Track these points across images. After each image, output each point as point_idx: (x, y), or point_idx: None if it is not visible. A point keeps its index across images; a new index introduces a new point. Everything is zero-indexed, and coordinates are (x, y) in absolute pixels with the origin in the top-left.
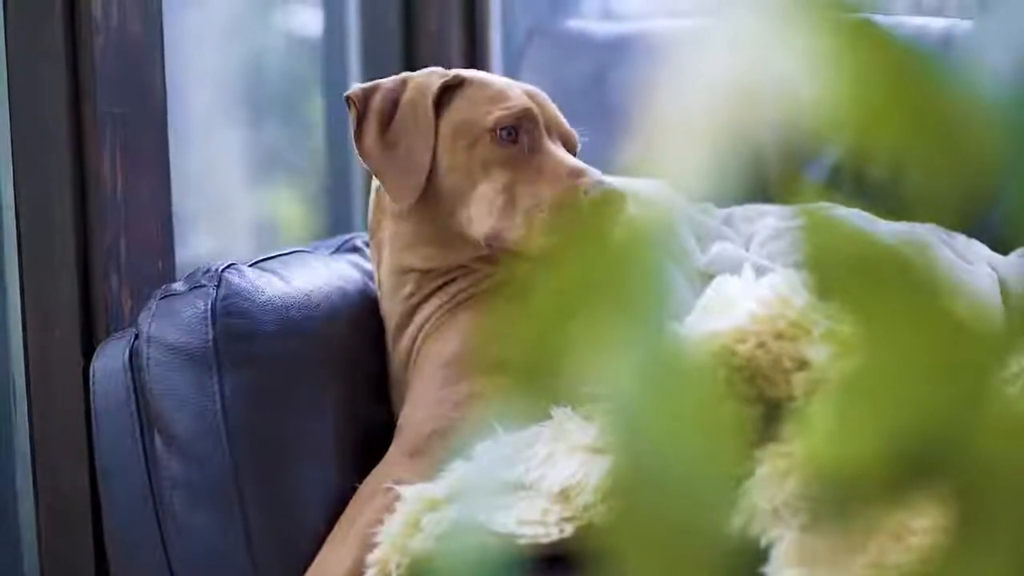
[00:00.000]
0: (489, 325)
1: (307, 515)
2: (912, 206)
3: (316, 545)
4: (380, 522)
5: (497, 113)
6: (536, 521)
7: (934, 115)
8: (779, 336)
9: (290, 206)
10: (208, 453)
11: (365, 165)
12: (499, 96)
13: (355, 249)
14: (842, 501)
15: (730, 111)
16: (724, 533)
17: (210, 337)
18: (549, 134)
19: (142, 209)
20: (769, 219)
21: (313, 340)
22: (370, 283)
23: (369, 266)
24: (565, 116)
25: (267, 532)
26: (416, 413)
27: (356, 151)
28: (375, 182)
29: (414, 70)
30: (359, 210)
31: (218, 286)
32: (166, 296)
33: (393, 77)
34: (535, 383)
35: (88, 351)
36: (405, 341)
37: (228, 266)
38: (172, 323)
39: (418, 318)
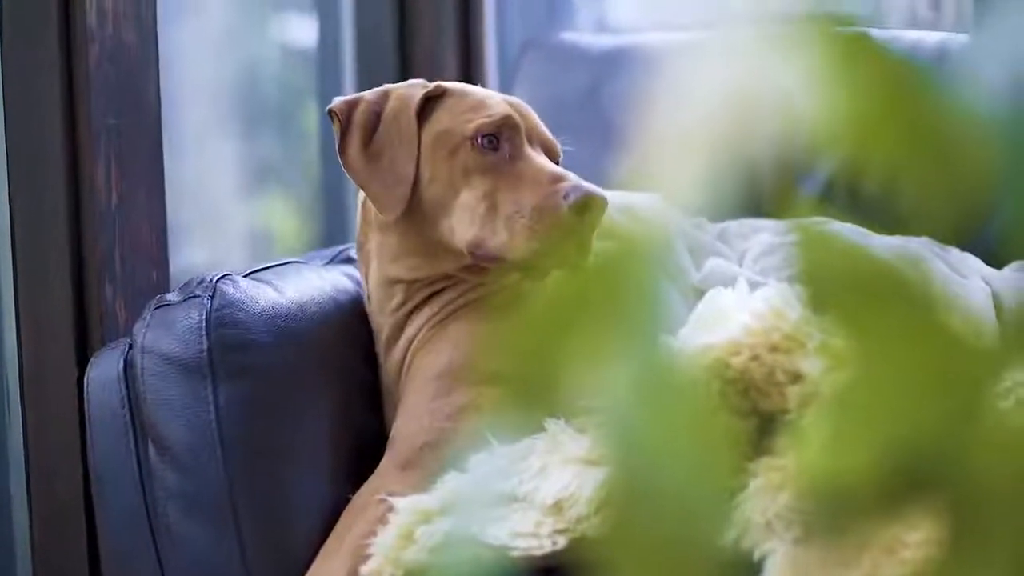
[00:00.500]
0: (483, 337)
1: (301, 526)
2: (907, 220)
3: (310, 556)
4: (373, 534)
5: (478, 121)
6: (529, 533)
7: (930, 130)
8: (773, 349)
9: (284, 217)
10: (202, 463)
11: (350, 178)
12: (480, 105)
13: (349, 260)
14: (836, 514)
15: (726, 125)
16: (718, 546)
17: (204, 347)
18: (531, 143)
19: (137, 219)
20: (763, 235)
21: (307, 351)
22: (363, 294)
23: None
24: (559, 129)
25: (261, 543)
26: (408, 425)
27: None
28: (361, 194)
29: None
30: (353, 221)
31: (212, 296)
32: (161, 306)
33: (375, 89)
34: (531, 396)
35: (82, 361)
36: (396, 353)
37: (222, 276)
38: (166, 333)
39: (408, 330)
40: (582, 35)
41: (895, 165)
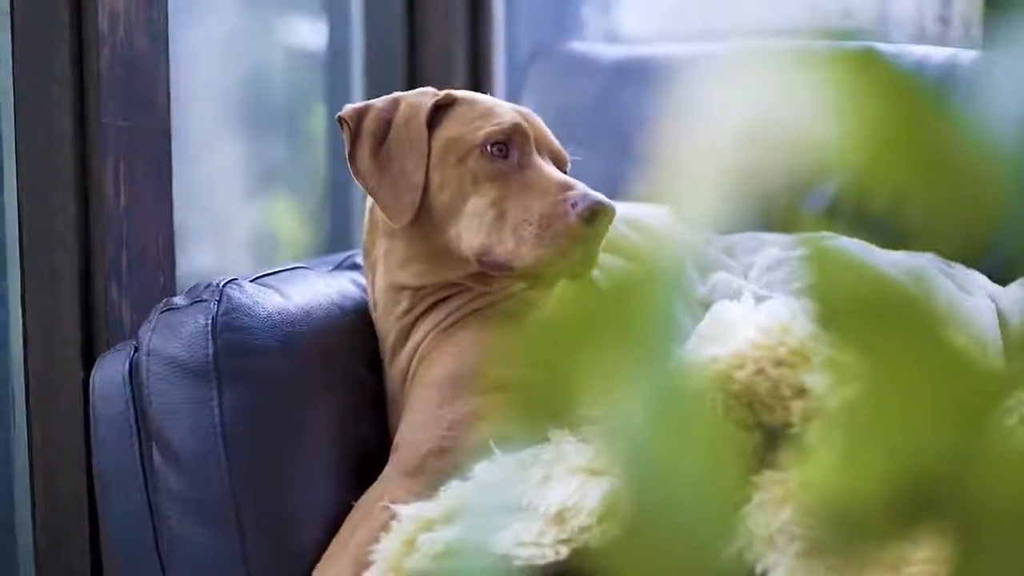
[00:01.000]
0: (492, 346)
1: (303, 531)
2: (912, 237)
3: (312, 561)
4: (375, 541)
5: (487, 129)
6: (532, 543)
7: (940, 152)
8: (778, 363)
9: (289, 220)
10: (206, 467)
11: (360, 185)
12: (489, 113)
13: (355, 266)
14: (844, 533)
15: (741, 144)
16: (724, 559)
17: (210, 352)
18: (539, 151)
19: (144, 222)
20: (769, 249)
21: (312, 356)
22: (369, 300)
23: None
24: (567, 138)
25: (263, 547)
26: (412, 432)
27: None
28: (369, 201)
29: (417, 88)
30: (358, 225)
31: (219, 301)
32: (167, 310)
33: (385, 97)
34: (543, 409)
35: (88, 363)
36: (401, 360)
37: (229, 281)
38: (173, 337)
39: (414, 337)
40: (591, 45)
41: (905, 186)
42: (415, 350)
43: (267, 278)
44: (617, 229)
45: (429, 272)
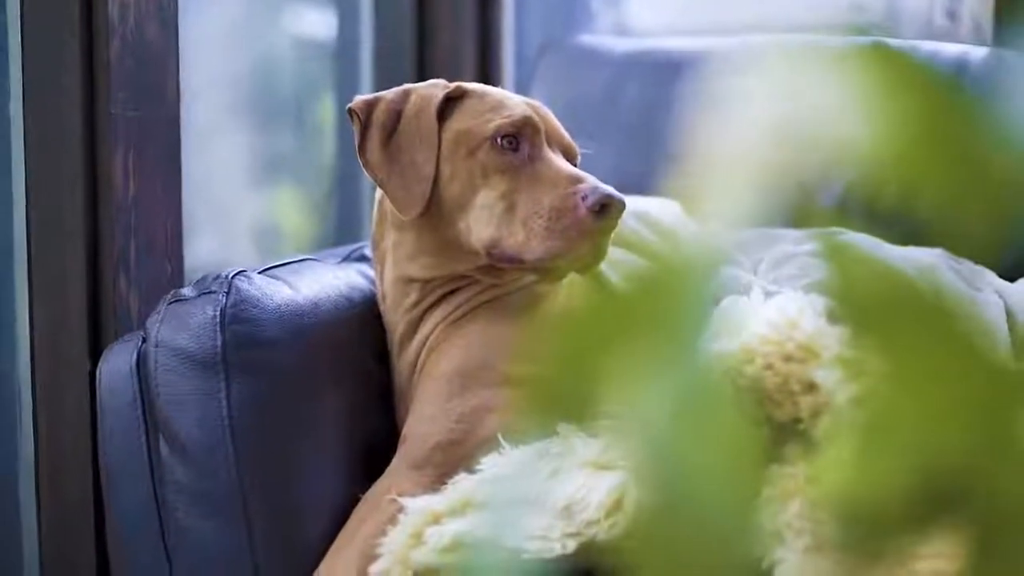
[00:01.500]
0: (511, 341)
1: (310, 523)
2: (927, 236)
3: (319, 553)
4: (383, 533)
5: (498, 121)
6: (539, 536)
7: (965, 151)
8: (787, 358)
9: (295, 211)
10: (213, 459)
11: (369, 177)
12: (500, 106)
13: (363, 258)
14: (859, 532)
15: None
16: (746, 555)
17: (218, 343)
18: (549, 144)
19: (153, 213)
20: (780, 244)
21: (321, 348)
22: (377, 292)
23: None
24: (576, 131)
25: (270, 539)
26: (420, 425)
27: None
28: (378, 193)
29: (426, 80)
30: (365, 217)
31: (228, 292)
32: (175, 301)
33: (395, 89)
34: (561, 404)
35: (95, 354)
36: (410, 353)
37: (238, 273)
38: (181, 328)
39: (423, 330)
40: (600, 38)
41: (928, 183)
42: (424, 343)
43: (276, 270)
44: (626, 223)
45: (438, 265)
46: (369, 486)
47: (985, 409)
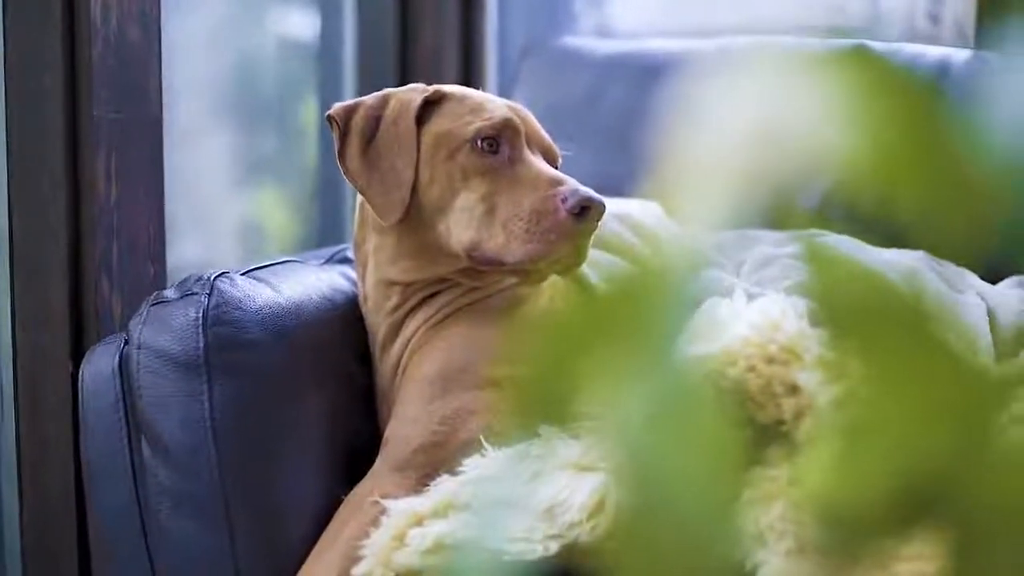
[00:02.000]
0: (488, 343)
1: (293, 525)
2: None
3: (301, 555)
4: (365, 535)
5: (478, 123)
6: (522, 538)
7: (945, 155)
8: (769, 360)
9: (278, 212)
10: (195, 461)
11: (350, 184)
12: (480, 108)
13: (346, 260)
14: (840, 535)
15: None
16: (724, 558)
17: (201, 345)
18: (530, 146)
19: (135, 214)
20: (760, 246)
21: (303, 350)
22: (360, 295)
23: None
24: (559, 134)
25: (252, 541)
26: (403, 427)
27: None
28: (359, 196)
29: (408, 83)
30: (348, 218)
31: (210, 294)
32: (157, 303)
33: (375, 94)
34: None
35: (77, 355)
36: (392, 355)
37: (220, 275)
38: (163, 330)
39: (404, 332)
40: (583, 40)
41: (908, 186)
42: (405, 345)
43: (258, 271)
44: (607, 225)
45: (419, 268)
46: (351, 488)
47: (964, 412)
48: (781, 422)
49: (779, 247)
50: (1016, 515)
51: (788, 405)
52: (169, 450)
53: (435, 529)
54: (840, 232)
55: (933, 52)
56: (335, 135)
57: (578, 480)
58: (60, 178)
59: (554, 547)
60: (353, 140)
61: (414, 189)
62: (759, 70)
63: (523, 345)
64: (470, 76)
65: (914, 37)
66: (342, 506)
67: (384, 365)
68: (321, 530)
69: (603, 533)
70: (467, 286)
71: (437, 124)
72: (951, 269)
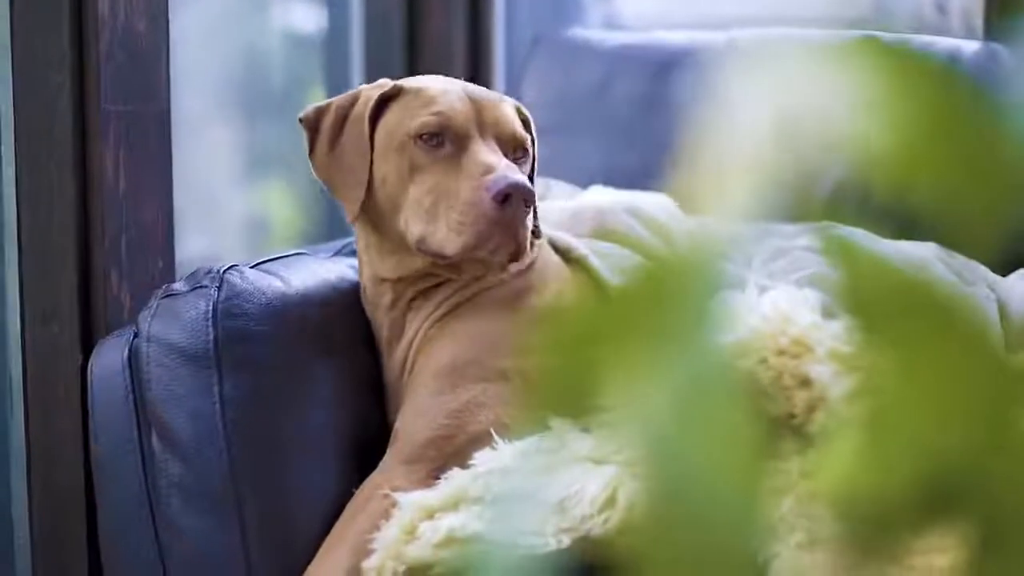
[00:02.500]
0: (498, 335)
1: (303, 518)
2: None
3: (312, 549)
4: (376, 528)
5: (420, 119)
6: (533, 532)
7: (976, 149)
8: (780, 353)
9: (285, 206)
10: (205, 454)
11: (321, 183)
12: (430, 101)
13: (354, 252)
14: (862, 529)
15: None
16: (749, 552)
17: (211, 338)
18: (483, 135)
19: (144, 207)
20: (773, 239)
21: (313, 343)
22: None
23: None
24: (567, 125)
25: (263, 535)
26: (412, 421)
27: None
28: None
29: (416, 74)
30: None
31: (220, 287)
32: (167, 296)
33: (346, 93)
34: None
35: (87, 349)
36: (399, 352)
37: (230, 267)
38: (173, 323)
39: (408, 330)
40: (591, 32)
41: (940, 182)
42: (411, 343)
43: (267, 264)
44: (619, 218)
45: (401, 264)
46: (361, 481)
47: (989, 405)
48: (792, 415)
49: (791, 240)
50: None
51: (800, 398)
52: (179, 443)
53: (446, 522)
54: (851, 223)
55: (942, 43)
56: (305, 137)
57: (590, 473)
58: (69, 171)
59: (566, 540)
60: (322, 140)
61: (373, 185)
62: (778, 61)
63: (537, 337)
64: (478, 68)
65: (922, 28)
66: (352, 499)
67: (391, 362)
68: (331, 523)
69: (615, 526)
70: (463, 280)
71: (389, 120)
72: (961, 261)
